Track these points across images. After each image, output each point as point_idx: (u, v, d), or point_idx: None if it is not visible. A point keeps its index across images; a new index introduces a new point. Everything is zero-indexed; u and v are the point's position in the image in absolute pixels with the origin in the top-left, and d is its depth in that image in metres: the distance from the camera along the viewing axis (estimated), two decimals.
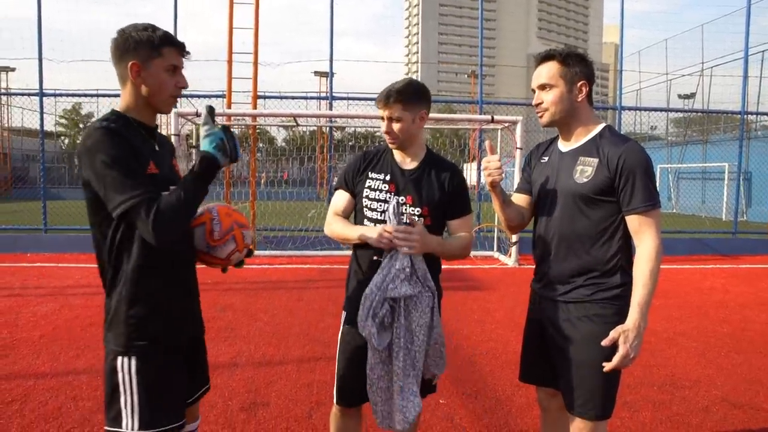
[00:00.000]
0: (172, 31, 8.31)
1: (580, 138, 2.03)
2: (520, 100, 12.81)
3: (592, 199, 1.94)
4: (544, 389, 2.24)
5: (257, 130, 10.97)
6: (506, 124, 9.29)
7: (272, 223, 10.99)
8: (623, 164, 1.88)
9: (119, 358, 1.68)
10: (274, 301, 6.06)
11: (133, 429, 1.67)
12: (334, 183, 2.34)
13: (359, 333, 2.05)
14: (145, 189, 1.60)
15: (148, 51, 1.69)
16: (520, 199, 2.25)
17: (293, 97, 10.79)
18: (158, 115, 1.89)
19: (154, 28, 1.72)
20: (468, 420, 3.21)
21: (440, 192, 2.20)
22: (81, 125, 43.71)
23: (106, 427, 1.72)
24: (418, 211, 2.18)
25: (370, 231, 2.10)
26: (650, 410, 3.36)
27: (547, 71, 2.00)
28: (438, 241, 2.15)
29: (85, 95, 11.13)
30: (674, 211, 23.63)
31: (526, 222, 2.26)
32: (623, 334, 1.80)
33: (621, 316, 1.88)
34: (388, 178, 2.21)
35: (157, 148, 1.80)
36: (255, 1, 9.33)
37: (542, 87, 2.02)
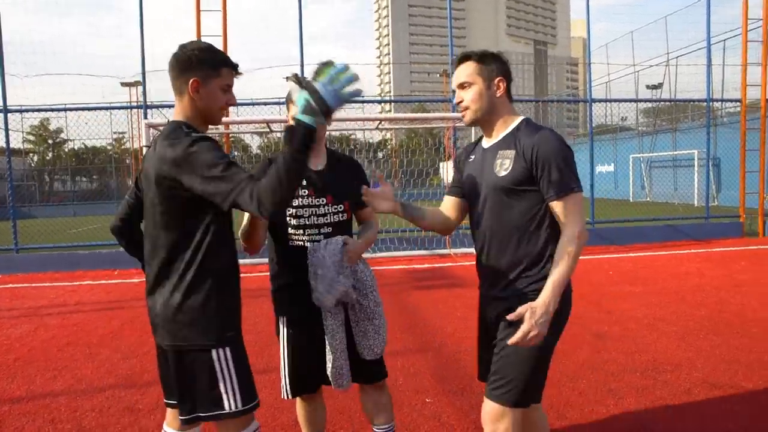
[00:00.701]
0: (139, 41, 8.05)
1: (500, 133, 2.06)
2: None
3: (514, 191, 1.96)
4: None
5: (231, 138, 10.85)
6: None
7: None
8: (537, 153, 1.91)
9: (213, 351, 1.82)
10: (255, 309, 5.97)
11: (236, 407, 1.85)
12: None
13: (299, 334, 2.34)
14: (244, 175, 1.68)
15: (209, 70, 1.84)
16: (447, 202, 2.28)
17: (265, 103, 10.67)
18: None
19: (215, 50, 1.89)
20: (455, 417, 3.21)
21: (352, 185, 2.30)
22: (50, 141, 42.74)
23: (205, 413, 1.85)
24: (341, 207, 2.32)
25: None
26: (634, 396, 3.40)
27: (465, 70, 2.04)
28: (365, 243, 2.39)
29: (52, 110, 10.87)
30: (648, 199, 24.08)
31: (453, 224, 2.29)
32: (530, 309, 1.82)
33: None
34: (304, 183, 2.30)
35: None
36: (222, 7, 9.25)
37: (461, 86, 2.05)
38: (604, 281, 7.02)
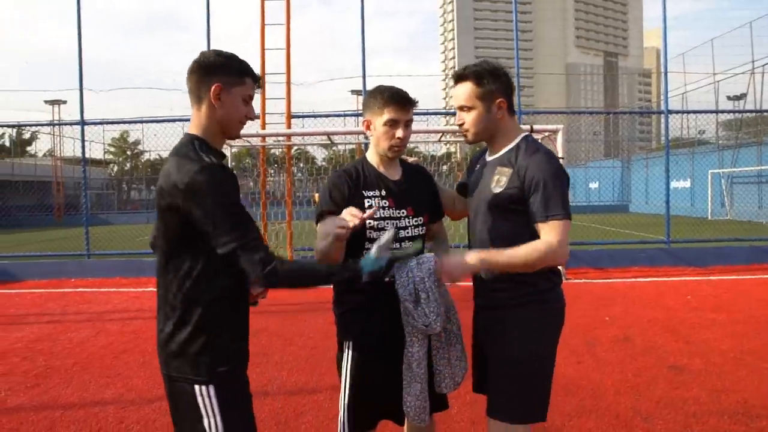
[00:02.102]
0: None
1: (502, 149, 2.08)
2: (559, 109, 12.39)
3: (507, 208, 1.98)
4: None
5: (296, 150, 10.94)
6: (547, 134, 8.95)
7: (309, 243, 10.90)
8: (528, 174, 1.94)
9: (197, 387, 1.69)
10: (311, 324, 5.89)
11: None
12: (318, 211, 2.16)
13: (368, 361, 2.09)
14: (254, 232, 1.66)
15: (234, 77, 1.74)
16: (455, 194, 2.38)
17: (327, 115, 10.70)
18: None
19: (239, 58, 1.78)
20: None
21: (429, 196, 2.25)
22: (128, 152, 45.33)
23: None
24: (420, 220, 2.16)
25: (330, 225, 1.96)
26: None
27: (464, 92, 2.03)
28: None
29: (126, 122, 11.39)
30: (728, 217, 22.48)
31: (457, 211, 2.36)
32: (459, 259, 1.91)
33: (543, 321, 2.01)
34: (383, 193, 2.13)
35: None
36: (286, 21, 9.36)
37: (461, 108, 2.06)
38: (681, 307, 6.44)
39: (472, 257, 1.90)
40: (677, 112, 11.54)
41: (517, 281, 1.99)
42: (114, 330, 5.76)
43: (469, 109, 2.03)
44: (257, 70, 1.82)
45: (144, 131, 29.03)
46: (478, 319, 2.15)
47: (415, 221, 2.15)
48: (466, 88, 2.02)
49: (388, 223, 2.09)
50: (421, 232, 2.18)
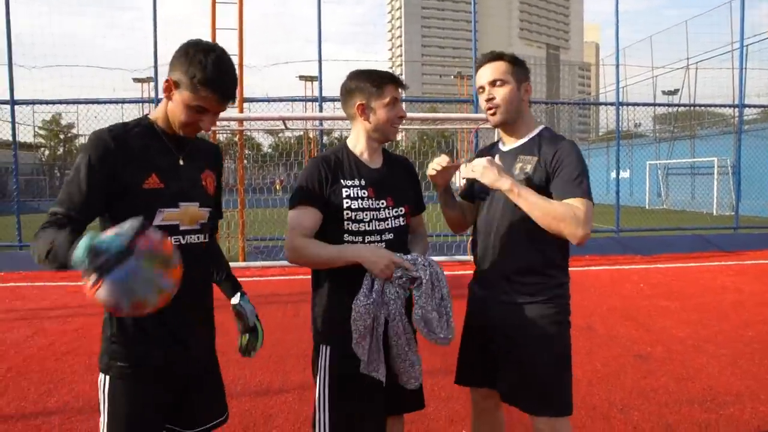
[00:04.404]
0: (152, 39, 7.64)
1: (522, 138, 2.08)
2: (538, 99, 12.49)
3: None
4: (480, 390, 2.23)
5: (243, 136, 10.51)
6: None
7: (262, 232, 10.55)
8: (555, 157, 1.94)
9: (100, 375, 1.66)
10: (268, 318, 5.58)
11: None
12: (293, 198, 1.99)
13: (357, 367, 1.88)
14: (75, 213, 1.52)
15: (180, 75, 1.56)
16: (462, 203, 2.33)
17: (281, 100, 10.33)
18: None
19: (205, 58, 1.55)
20: None
21: (410, 187, 2.15)
22: (61, 136, 42.77)
23: None
24: (401, 210, 2.04)
25: (366, 251, 1.89)
26: None
27: (499, 68, 2.03)
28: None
29: (61, 102, 10.56)
30: (664, 206, 23.56)
31: (467, 224, 2.31)
32: (494, 162, 1.92)
33: (563, 315, 2.02)
34: (363, 182, 1.99)
35: (181, 162, 1.69)
36: (239, 0, 8.92)
37: (494, 83, 2.04)
38: (635, 294, 6.61)
39: (508, 181, 1.87)
40: (629, 104, 11.86)
41: (541, 276, 2.01)
42: (54, 329, 5.30)
43: (503, 83, 2.02)
44: None
45: (79, 113, 27.44)
46: (490, 311, 2.08)
47: (395, 212, 2.02)
48: (501, 65, 2.03)
49: (367, 214, 1.95)
50: (402, 223, 2.04)
